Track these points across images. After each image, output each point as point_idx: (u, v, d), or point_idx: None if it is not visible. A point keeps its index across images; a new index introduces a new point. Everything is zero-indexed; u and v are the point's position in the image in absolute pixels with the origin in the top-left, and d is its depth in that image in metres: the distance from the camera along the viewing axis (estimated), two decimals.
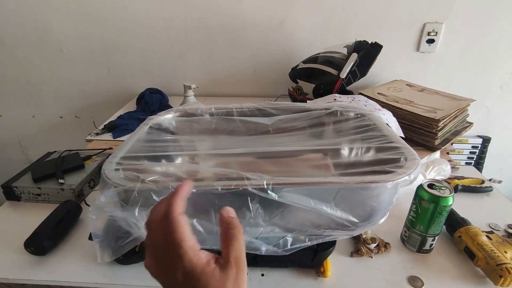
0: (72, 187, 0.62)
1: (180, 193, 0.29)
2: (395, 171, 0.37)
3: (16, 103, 1.34)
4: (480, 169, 1.20)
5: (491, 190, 0.66)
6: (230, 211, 0.29)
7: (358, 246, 0.51)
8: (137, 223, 0.36)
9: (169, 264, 0.26)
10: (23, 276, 0.48)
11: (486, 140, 1.19)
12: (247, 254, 0.41)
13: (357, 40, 0.95)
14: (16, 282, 0.48)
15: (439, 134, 0.77)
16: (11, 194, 0.63)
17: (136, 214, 0.36)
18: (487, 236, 0.50)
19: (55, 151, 0.76)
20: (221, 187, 0.36)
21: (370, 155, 0.47)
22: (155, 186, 0.36)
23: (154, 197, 0.36)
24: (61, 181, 0.63)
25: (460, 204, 0.56)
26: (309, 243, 0.40)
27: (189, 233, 0.27)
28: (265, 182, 0.35)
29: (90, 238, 0.49)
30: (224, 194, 0.35)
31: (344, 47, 0.96)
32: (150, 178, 0.38)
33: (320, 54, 0.98)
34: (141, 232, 0.36)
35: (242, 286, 0.26)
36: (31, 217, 0.58)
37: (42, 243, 0.49)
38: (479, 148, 1.21)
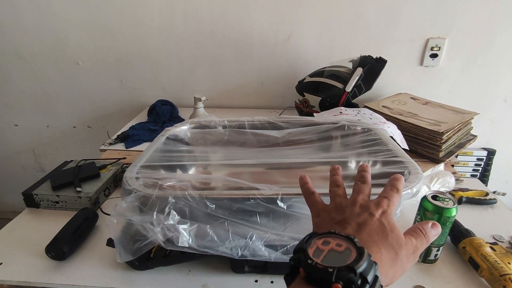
0: (89, 195, 0.65)
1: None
2: None
3: (32, 113, 1.39)
4: (485, 182, 1.21)
5: (495, 202, 0.67)
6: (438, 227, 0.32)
7: None
8: (154, 228, 0.39)
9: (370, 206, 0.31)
10: (43, 280, 0.50)
11: (491, 153, 1.20)
12: (258, 261, 0.43)
13: (362, 55, 0.98)
14: (37, 285, 0.50)
15: (443, 146, 0.79)
16: (31, 201, 0.66)
17: (154, 217, 0.38)
18: (491, 247, 0.51)
19: (71, 160, 0.79)
20: (232, 196, 0.38)
21: (376, 169, 0.49)
22: (172, 191, 0.39)
23: (171, 201, 0.39)
24: (78, 189, 0.66)
25: (464, 216, 0.57)
26: None
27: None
28: (274, 192, 0.38)
29: (108, 244, 0.52)
30: (234, 203, 0.38)
31: (350, 61, 0.99)
32: (167, 184, 0.41)
33: (326, 68, 1.01)
34: (157, 235, 0.39)
35: (404, 266, 0.28)
36: (50, 223, 0.61)
37: (62, 248, 0.52)
38: (484, 161, 1.21)
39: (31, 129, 1.44)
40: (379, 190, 0.39)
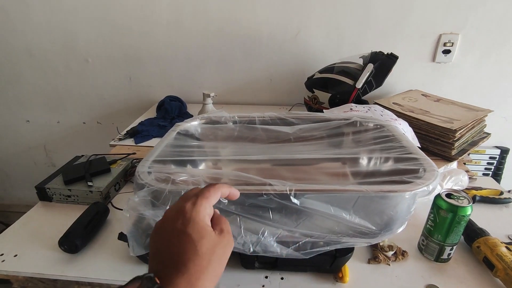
0: (100, 189, 0.65)
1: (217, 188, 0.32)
2: (414, 182, 0.38)
3: (43, 109, 1.41)
4: (498, 181, 1.18)
5: (510, 202, 0.66)
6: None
7: (376, 253, 0.52)
8: None
9: (175, 216, 0.29)
10: (56, 272, 0.51)
11: (504, 151, 1.18)
12: (268, 258, 0.43)
13: (373, 51, 0.96)
14: (50, 277, 0.51)
15: (456, 144, 0.77)
16: (44, 195, 0.67)
17: None
18: (506, 247, 0.50)
19: (82, 155, 0.80)
20: (245, 192, 0.38)
21: (389, 165, 0.48)
22: (185, 186, 0.39)
23: None
24: (90, 183, 0.66)
25: (478, 215, 0.56)
26: (328, 248, 0.42)
27: (207, 210, 0.30)
28: (288, 188, 0.37)
29: (119, 238, 0.52)
30: (247, 198, 0.37)
31: (360, 57, 0.97)
32: (180, 178, 0.41)
33: (336, 64, 1.00)
34: None
35: (226, 254, 0.29)
36: (62, 217, 0.62)
37: (74, 242, 0.53)
38: (497, 159, 1.19)
39: (42, 125, 1.46)
40: (391, 186, 0.38)
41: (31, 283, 0.53)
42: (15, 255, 0.54)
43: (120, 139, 0.96)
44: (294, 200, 0.36)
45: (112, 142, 0.95)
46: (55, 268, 0.52)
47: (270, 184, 0.37)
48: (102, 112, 1.40)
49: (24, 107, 1.42)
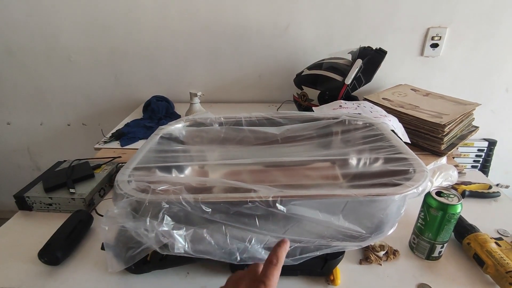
0: (83, 196, 0.63)
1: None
2: (403, 184, 0.37)
3: (25, 111, 1.36)
4: (486, 172, 1.20)
5: (499, 196, 0.66)
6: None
7: (367, 253, 0.52)
8: (148, 234, 0.37)
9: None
10: (36, 286, 0.49)
11: (492, 143, 1.19)
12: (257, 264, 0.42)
13: (361, 46, 0.95)
14: None
15: (445, 139, 0.77)
16: (24, 204, 0.64)
17: (147, 224, 0.36)
18: (496, 242, 0.50)
19: (65, 160, 0.77)
20: (229, 200, 0.36)
21: (378, 166, 0.47)
22: (166, 196, 0.37)
23: (164, 206, 0.37)
24: (72, 190, 0.64)
25: (467, 210, 0.56)
26: (318, 253, 0.41)
27: None
28: (272, 195, 0.36)
29: (103, 248, 0.50)
30: (232, 206, 0.36)
31: (349, 53, 0.96)
32: (160, 188, 0.39)
33: (325, 61, 0.99)
34: (151, 242, 0.37)
35: None
36: (43, 227, 0.59)
37: (55, 253, 0.50)
38: (485, 151, 1.20)
39: (25, 128, 1.41)
40: (380, 190, 0.38)
41: None
42: None
43: (105, 142, 0.93)
44: (280, 207, 0.35)
45: (97, 146, 0.92)
46: (35, 282, 0.49)
47: (255, 191, 0.35)
48: (87, 113, 1.35)
49: (4, 108, 1.36)
